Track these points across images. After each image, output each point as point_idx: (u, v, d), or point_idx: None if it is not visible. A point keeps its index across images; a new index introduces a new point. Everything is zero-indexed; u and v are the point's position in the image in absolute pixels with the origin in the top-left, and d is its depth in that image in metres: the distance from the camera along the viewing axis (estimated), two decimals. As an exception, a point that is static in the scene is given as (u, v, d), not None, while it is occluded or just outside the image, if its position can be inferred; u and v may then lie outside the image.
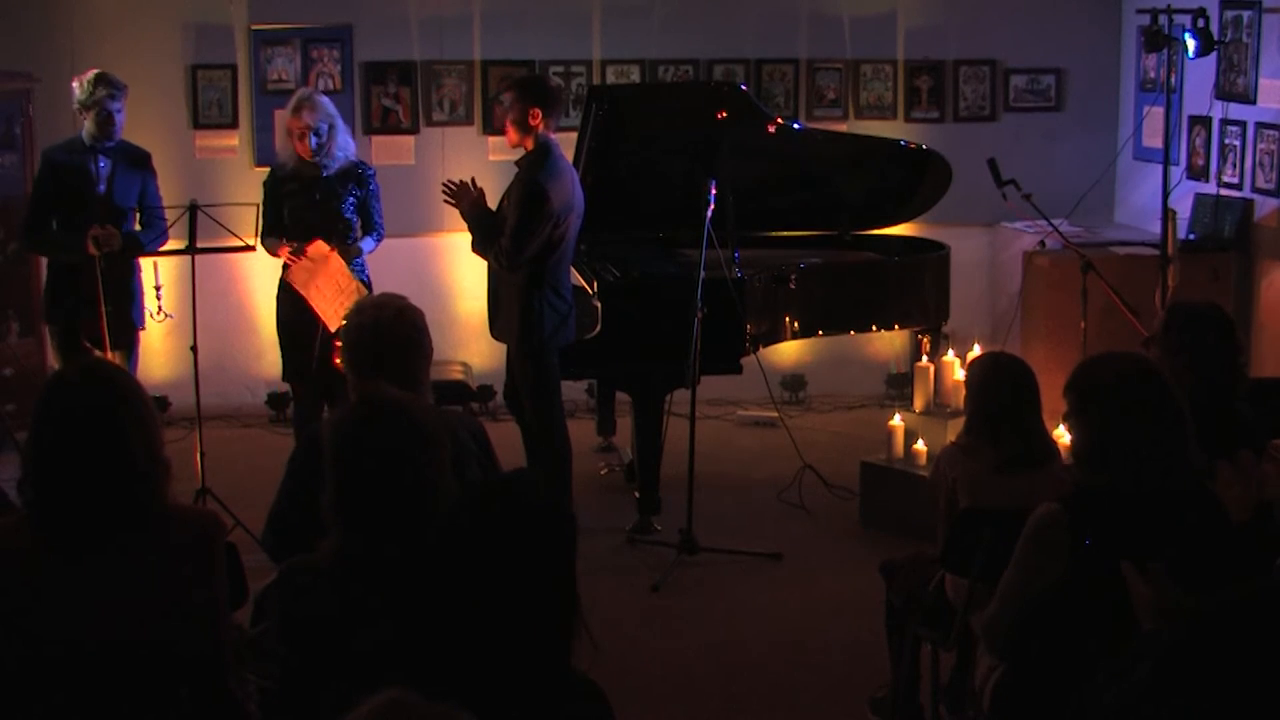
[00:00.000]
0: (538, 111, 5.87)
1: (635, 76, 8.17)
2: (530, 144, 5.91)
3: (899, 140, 7.44)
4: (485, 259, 6.03)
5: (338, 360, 6.27)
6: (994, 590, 3.50)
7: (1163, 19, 6.70)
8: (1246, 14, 7.31)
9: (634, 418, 6.55)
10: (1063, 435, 5.19)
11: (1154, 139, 7.73)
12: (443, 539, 2.51)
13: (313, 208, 6.13)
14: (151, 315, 6.31)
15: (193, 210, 6.00)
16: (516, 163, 6.03)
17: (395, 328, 3.70)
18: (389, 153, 8.05)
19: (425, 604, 2.49)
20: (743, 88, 7.21)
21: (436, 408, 3.79)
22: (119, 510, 2.95)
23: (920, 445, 6.28)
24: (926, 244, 7.36)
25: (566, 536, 2.49)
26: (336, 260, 6.04)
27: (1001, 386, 4.20)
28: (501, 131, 6.36)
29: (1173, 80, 6.94)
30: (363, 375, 3.67)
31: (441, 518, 2.63)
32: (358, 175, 6.22)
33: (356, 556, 2.87)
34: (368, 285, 6.16)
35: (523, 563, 2.44)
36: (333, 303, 5.99)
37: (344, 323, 3.89)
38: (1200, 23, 6.78)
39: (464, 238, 6.23)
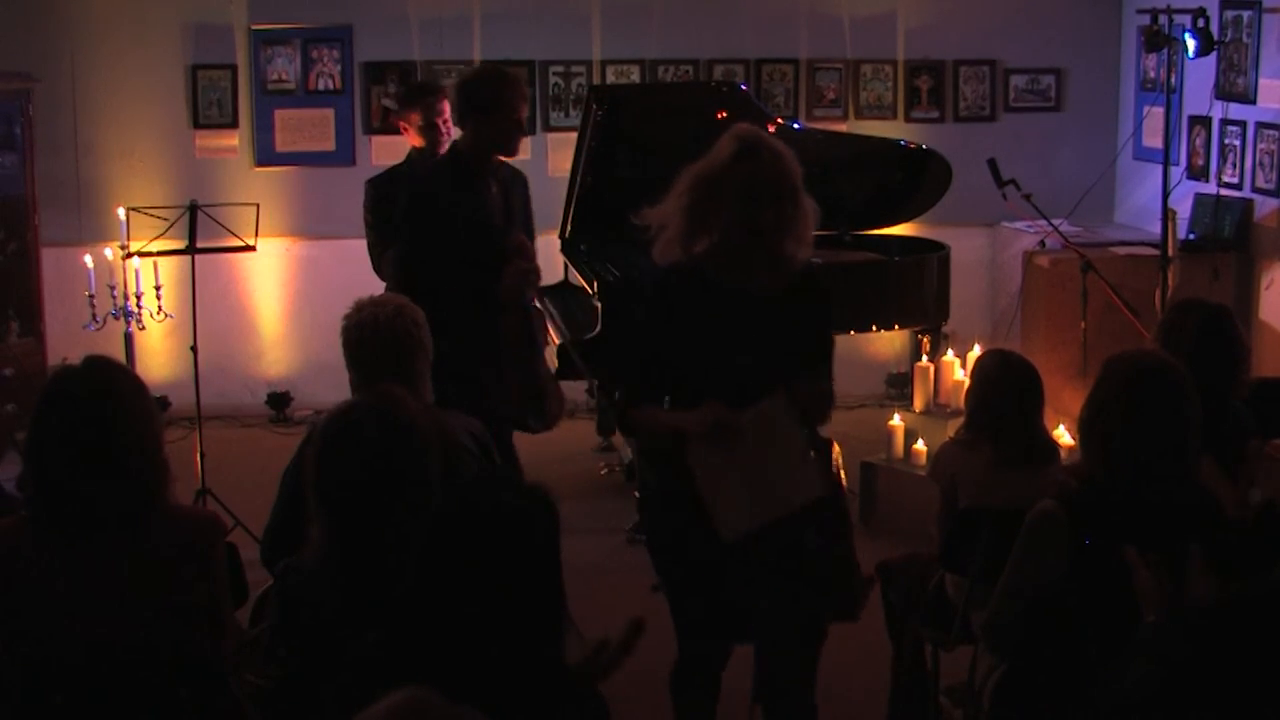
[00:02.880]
0: None
1: (635, 76, 8.17)
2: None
3: (899, 140, 7.44)
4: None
5: None
6: (994, 589, 3.50)
7: (1163, 19, 6.70)
8: (1246, 14, 7.31)
9: (634, 418, 6.53)
10: (1063, 435, 5.20)
11: (1154, 139, 7.73)
12: (425, 540, 2.52)
13: None
14: (151, 315, 6.31)
15: (193, 210, 6.00)
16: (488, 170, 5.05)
17: (394, 326, 3.70)
18: (389, 153, 8.02)
19: (413, 605, 2.50)
20: (743, 88, 7.20)
21: (435, 407, 3.79)
22: (110, 507, 2.94)
23: (920, 445, 6.28)
24: (926, 244, 7.35)
25: (541, 535, 2.49)
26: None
27: (1009, 384, 4.19)
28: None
29: (1173, 80, 6.93)
30: (362, 374, 3.68)
31: (426, 519, 2.64)
32: None
33: (346, 557, 2.87)
34: None
35: (498, 563, 2.44)
36: None
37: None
38: (1200, 23, 6.78)
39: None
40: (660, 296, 3.58)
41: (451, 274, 4.68)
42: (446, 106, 5.84)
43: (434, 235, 4.69)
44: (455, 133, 5.68)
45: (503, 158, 4.93)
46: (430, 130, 5.90)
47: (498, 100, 4.72)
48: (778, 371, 3.45)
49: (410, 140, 6.02)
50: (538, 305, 4.73)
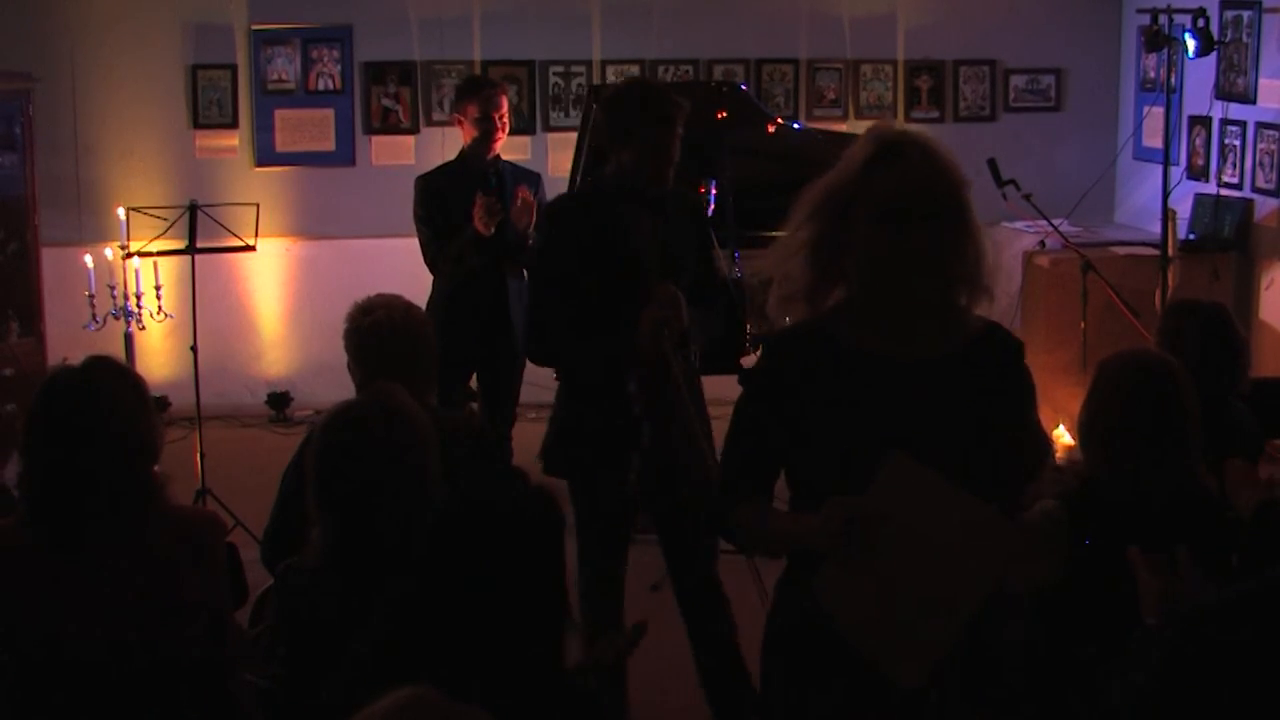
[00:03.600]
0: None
1: (635, 76, 8.18)
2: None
3: (899, 140, 7.44)
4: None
5: None
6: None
7: (1163, 19, 6.70)
8: (1246, 14, 7.31)
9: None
10: (1063, 435, 5.20)
11: (1154, 139, 7.73)
12: (428, 543, 2.52)
13: None
14: (151, 315, 6.31)
15: (193, 210, 6.00)
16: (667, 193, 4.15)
17: (402, 327, 3.70)
18: (389, 153, 8.05)
19: (413, 605, 2.50)
20: (743, 88, 7.20)
21: (439, 409, 3.79)
22: (108, 507, 2.94)
23: (920, 445, 6.27)
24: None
25: (543, 535, 2.49)
26: None
27: None
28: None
29: (1173, 80, 6.93)
30: (368, 374, 3.67)
31: (427, 522, 2.64)
32: None
33: (346, 557, 2.87)
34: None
35: (500, 563, 2.44)
36: None
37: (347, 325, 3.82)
38: (1200, 23, 6.78)
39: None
40: (768, 372, 2.59)
41: (583, 323, 3.96)
42: (505, 101, 5.79)
43: (564, 278, 3.94)
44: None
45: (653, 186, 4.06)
46: (484, 123, 5.73)
47: (634, 124, 3.95)
48: (949, 471, 2.46)
49: (464, 136, 5.86)
50: (686, 362, 3.94)
